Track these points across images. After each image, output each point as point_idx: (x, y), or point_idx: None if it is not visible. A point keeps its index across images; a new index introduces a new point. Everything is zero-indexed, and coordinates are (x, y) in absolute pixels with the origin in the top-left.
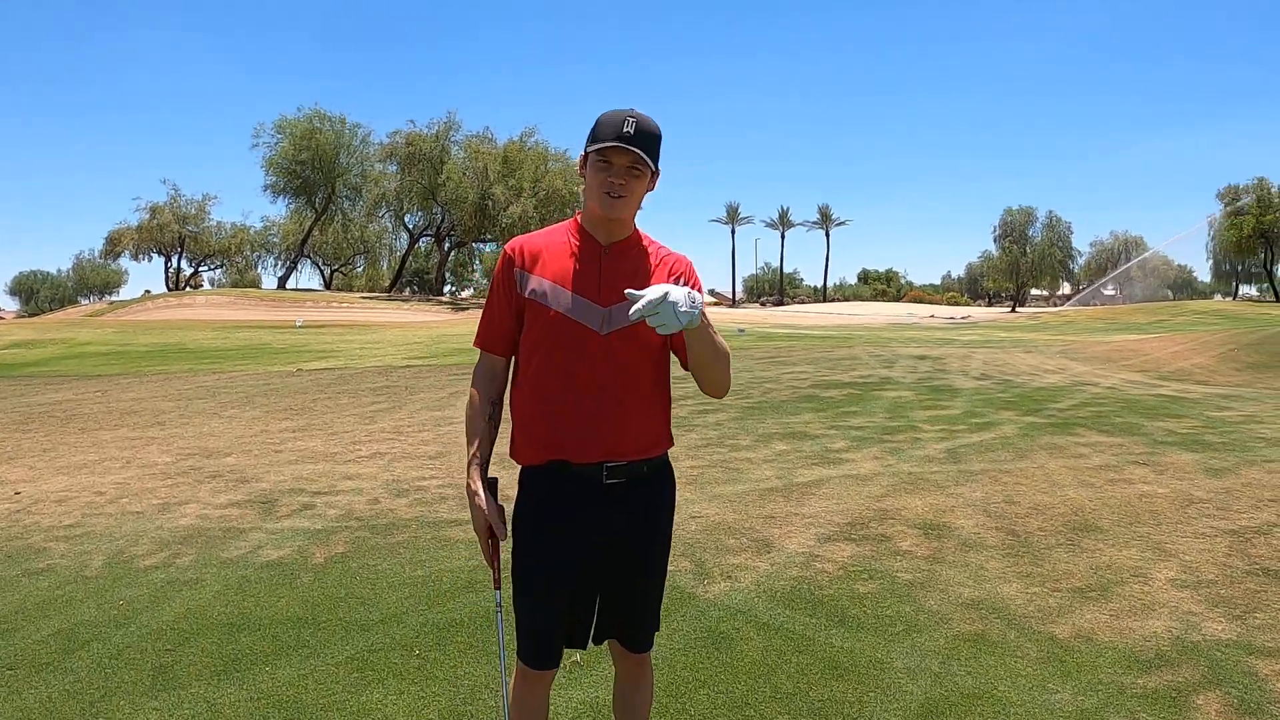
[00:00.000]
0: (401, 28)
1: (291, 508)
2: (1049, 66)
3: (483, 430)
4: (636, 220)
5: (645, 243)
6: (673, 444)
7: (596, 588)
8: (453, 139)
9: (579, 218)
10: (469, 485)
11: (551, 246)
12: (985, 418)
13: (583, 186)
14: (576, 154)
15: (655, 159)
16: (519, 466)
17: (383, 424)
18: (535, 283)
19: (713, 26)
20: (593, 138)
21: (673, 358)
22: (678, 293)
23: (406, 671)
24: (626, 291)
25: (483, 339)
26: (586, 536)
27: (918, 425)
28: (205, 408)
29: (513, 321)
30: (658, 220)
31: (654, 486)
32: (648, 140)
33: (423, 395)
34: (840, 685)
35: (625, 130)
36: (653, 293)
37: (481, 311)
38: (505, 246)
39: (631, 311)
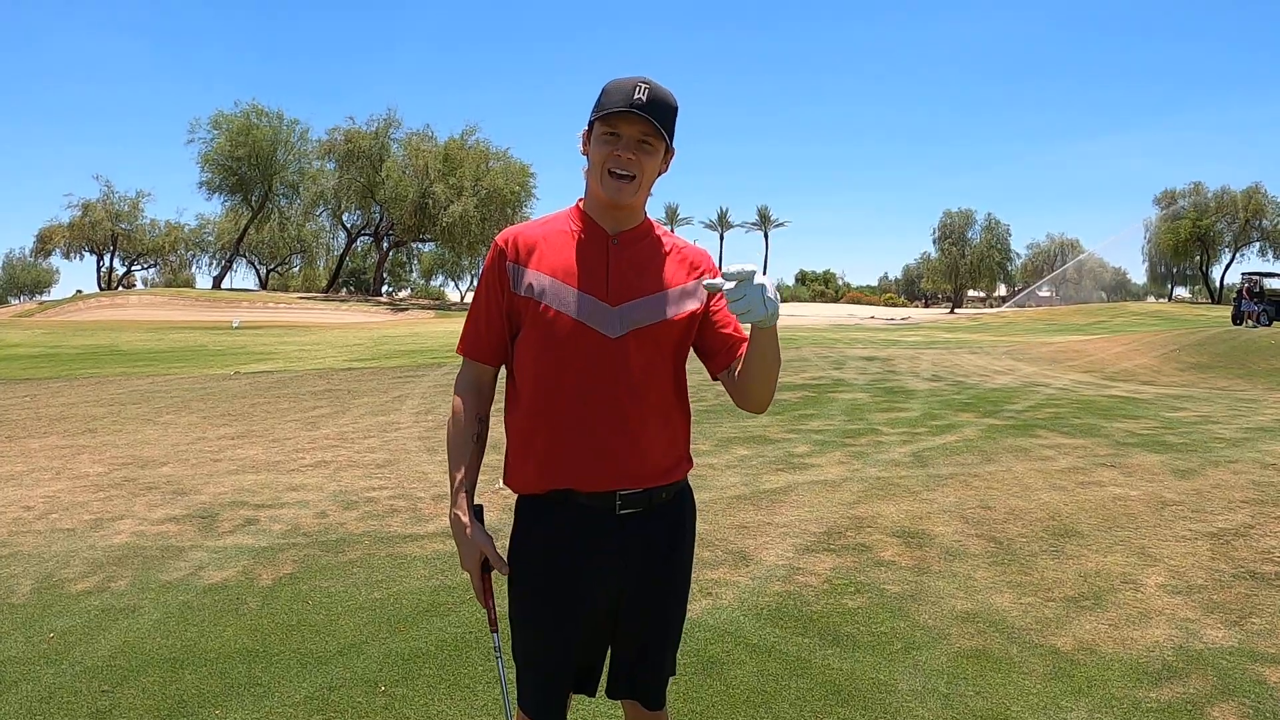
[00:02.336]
0: (341, 14)
1: (234, 523)
2: (987, 69)
3: (470, 453)
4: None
5: (658, 232)
6: (693, 465)
7: (609, 634)
8: (393, 136)
9: (581, 204)
10: (457, 517)
11: (550, 237)
12: (945, 420)
13: (584, 169)
14: (518, 154)
15: (670, 133)
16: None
17: (326, 430)
18: (532, 278)
19: (652, 25)
20: (598, 107)
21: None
22: (763, 276)
23: (372, 711)
24: (706, 283)
25: (467, 345)
26: (597, 577)
27: (878, 428)
28: (139, 413)
29: (504, 325)
30: None
31: (674, 515)
32: (662, 111)
33: (366, 399)
34: (846, 711)
35: (637, 97)
36: (740, 269)
37: (466, 313)
38: (496, 238)
39: (708, 282)
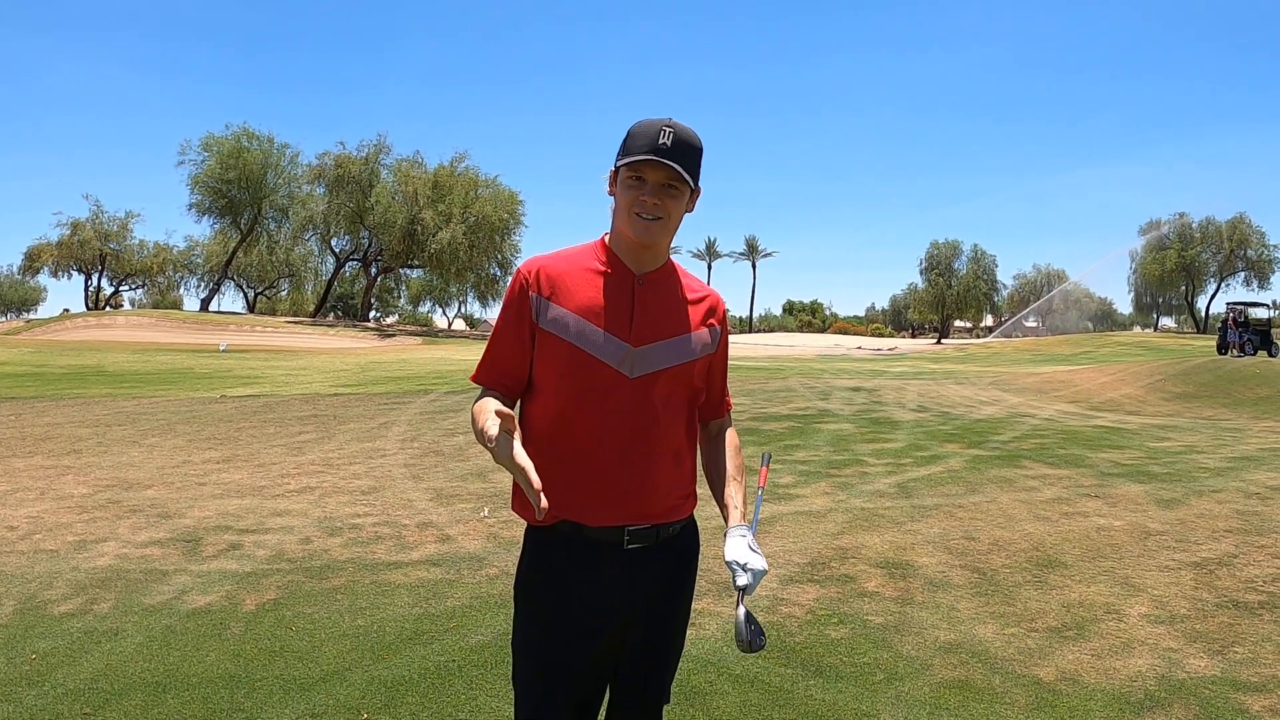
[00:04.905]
0: (331, 45)
1: (218, 547)
2: (973, 103)
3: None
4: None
5: (679, 273)
6: (697, 501)
7: (612, 667)
8: (383, 162)
9: (606, 240)
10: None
11: (575, 272)
12: (930, 451)
13: (610, 208)
14: (507, 181)
15: (695, 176)
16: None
17: (311, 455)
18: (556, 313)
19: (639, 54)
20: (624, 151)
21: None
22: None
23: None
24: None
25: (485, 373)
26: (602, 609)
27: (863, 459)
28: (124, 435)
29: (529, 357)
30: None
31: (680, 550)
32: (687, 154)
33: (352, 425)
34: None
35: (661, 142)
36: (758, 564)
37: (486, 344)
38: (520, 267)
39: (743, 584)
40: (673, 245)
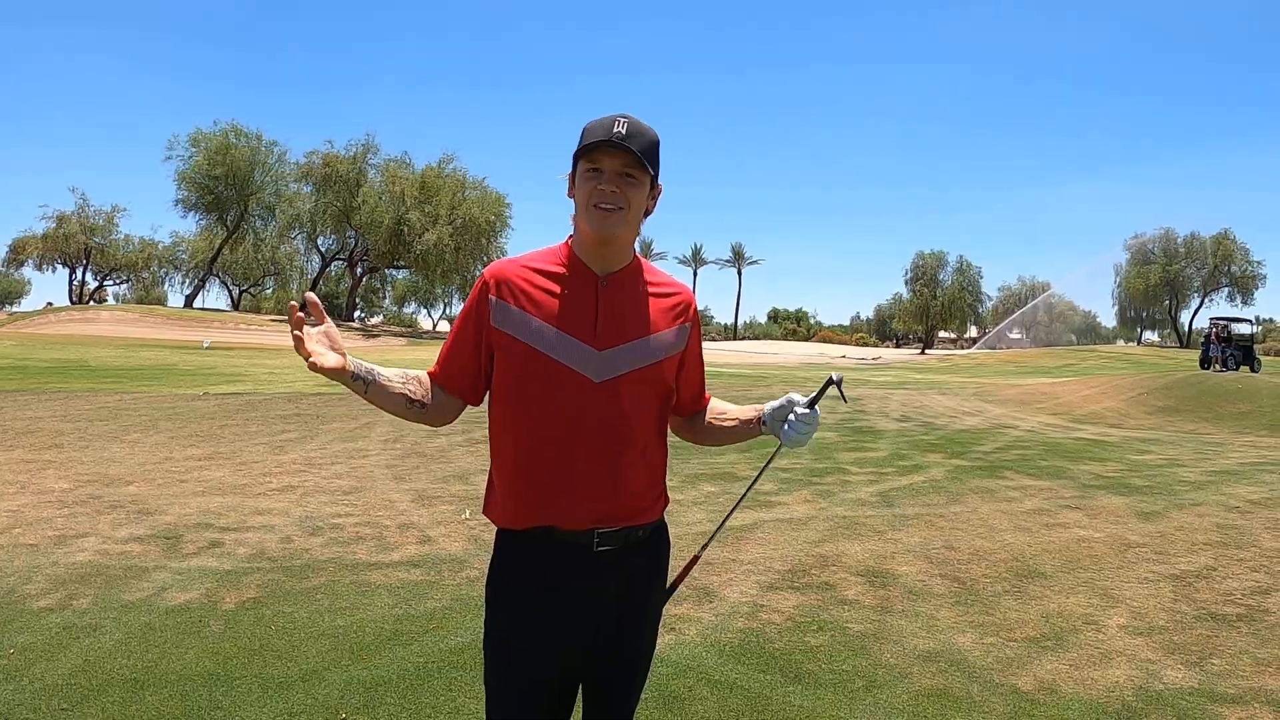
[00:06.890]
0: (322, 44)
1: (198, 545)
2: (960, 115)
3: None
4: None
5: (646, 272)
6: (669, 502)
7: (583, 670)
8: (370, 162)
9: (570, 243)
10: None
11: (538, 275)
12: (912, 460)
13: (570, 215)
14: (494, 183)
15: (654, 166)
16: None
17: (293, 454)
18: (516, 316)
19: (629, 59)
20: (579, 145)
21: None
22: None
23: None
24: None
25: (438, 368)
26: (573, 611)
27: (845, 467)
28: (106, 431)
29: (481, 360)
30: None
31: (650, 553)
32: (642, 143)
33: (334, 425)
34: None
35: (616, 130)
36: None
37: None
38: (484, 271)
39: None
40: (659, 251)
